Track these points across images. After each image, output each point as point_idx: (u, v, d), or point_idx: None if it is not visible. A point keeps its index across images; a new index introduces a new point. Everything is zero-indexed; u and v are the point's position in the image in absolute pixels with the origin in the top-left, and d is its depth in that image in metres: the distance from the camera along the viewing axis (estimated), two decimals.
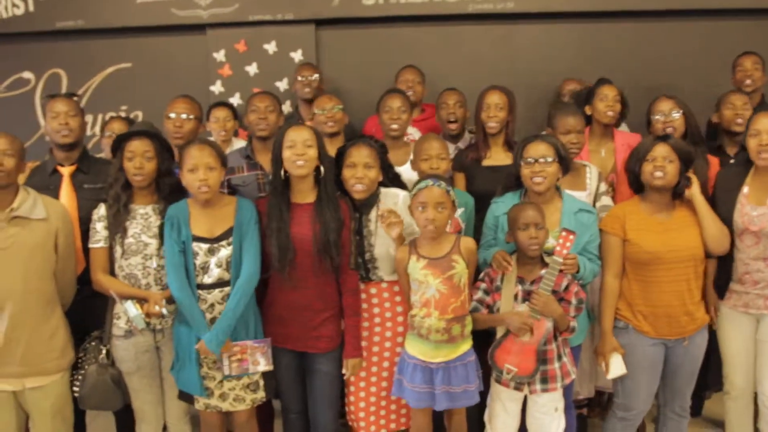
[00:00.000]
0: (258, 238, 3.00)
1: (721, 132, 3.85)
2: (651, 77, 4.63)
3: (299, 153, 2.91)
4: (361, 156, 3.07)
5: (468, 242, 2.99)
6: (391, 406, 3.19)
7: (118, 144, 3.08)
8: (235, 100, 4.90)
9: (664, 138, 3.09)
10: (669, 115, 3.57)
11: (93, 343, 3.11)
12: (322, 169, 2.98)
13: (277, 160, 2.98)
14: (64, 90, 4.95)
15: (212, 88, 4.92)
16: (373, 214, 3.13)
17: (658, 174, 3.00)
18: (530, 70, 4.86)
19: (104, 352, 3.06)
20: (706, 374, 3.47)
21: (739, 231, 3.11)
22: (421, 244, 2.99)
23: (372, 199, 3.14)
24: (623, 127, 4.04)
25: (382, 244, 3.11)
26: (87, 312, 3.18)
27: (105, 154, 3.98)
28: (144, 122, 3.37)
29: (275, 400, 3.41)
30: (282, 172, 2.97)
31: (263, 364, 2.99)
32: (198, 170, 2.91)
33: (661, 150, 3.02)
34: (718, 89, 4.27)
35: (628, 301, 3.13)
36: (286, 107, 4.81)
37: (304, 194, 3.01)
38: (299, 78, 4.51)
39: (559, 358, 2.98)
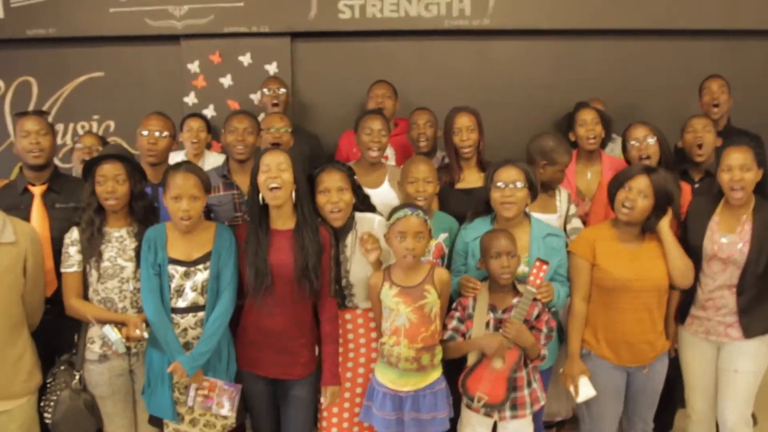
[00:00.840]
0: (236, 267, 3.00)
1: (685, 157, 3.86)
2: (625, 94, 4.69)
3: (273, 176, 2.90)
4: (333, 180, 3.06)
5: (442, 273, 3.00)
6: (363, 431, 3.19)
7: (89, 168, 3.04)
8: (209, 111, 4.88)
9: (650, 170, 3.08)
10: (644, 142, 3.57)
11: (63, 368, 3.07)
12: (293, 194, 2.96)
13: (254, 185, 2.97)
14: (34, 98, 4.93)
15: (186, 99, 4.87)
16: (349, 240, 3.13)
17: (625, 210, 3.03)
18: (505, 86, 4.88)
19: (77, 377, 3.03)
20: (676, 390, 3.50)
21: (708, 257, 3.15)
22: (395, 272, 3.00)
23: (348, 225, 3.14)
24: (615, 147, 4.08)
25: (357, 270, 3.11)
26: (54, 333, 3.16)
27: (75, 168, 3.96)
28: (114, 145, 3.34)
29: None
30: (260, 198, 2.96)
31: (227, 409, 2.97)
32: (182, 200, 2.90)
33: (639, 183, 3.02)
34: (691, 109, 4.35)
35: (592, 326, 3.16)
36: (261, 118, 4.75)
37: (284, 220, 3.00)
38: (265, 91, 4.50)
39: (529, 384, 3.01)
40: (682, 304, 3.28)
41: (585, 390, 3.10)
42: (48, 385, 3.06)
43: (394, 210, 2.99)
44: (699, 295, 3.20)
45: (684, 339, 3.30)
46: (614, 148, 4.21)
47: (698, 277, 3.19)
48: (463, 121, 3.65)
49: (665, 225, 3.08)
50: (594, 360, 3.15)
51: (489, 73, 4.89)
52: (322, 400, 3.06)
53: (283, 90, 4.49)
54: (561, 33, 4.80)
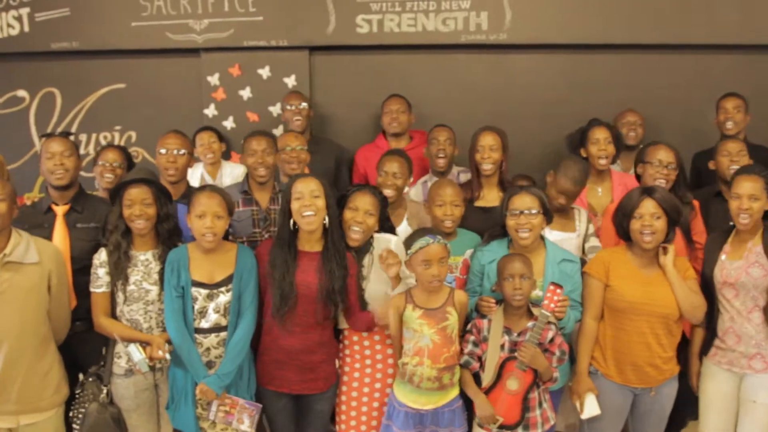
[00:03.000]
0: (257, 288, 3.08)
1: (718, 179, 3.83)
2: (640, 108, 4.64)
3: (307, 204, 2.96)
4: (364, 202, 3.15)
5: (461, 296, 3.07)
6: None
7: (117, 191, 3.12)
8: (229, 123, 4.93)
9: (650, 192, 3.12)
10: (667, 167, 3.53)
11: (91, 380, 3.15)
12: (326, 221, 3.03)
13: (285, 212, 3.04)
14: (58, 109, 5.00)
15: (206, 111, 4.92)
16: (366, 260, 3.20)
17: (647, 237, 3.05)
18: (522, 100, 4.88)
19: (105, 391, 3.11)
20: (684, 406, 3.47)
21: (719, 285, 3.16)
22: (417, 295, 3.05)
23: (365, 246, 3.21)
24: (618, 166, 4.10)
25: (373, 288, 3.18)
26: (80, 346, 3.25)
27: (97, 181, 4.04)
28: (141, 168, 3.40)
29: None
30: (291, 223, 3.03)
31: (246, 426, 3.06)
32: (206, 217, 2.98)
33: (648, 207, 3.06)
34: (705, 123, 4.41)
35: (601, 346, 3.19)
36: (279, 131, 4.81)
37: (312, 243, 3.08)
38: (288, 107, 4.53)
39: (540, 405, 3.05)
40: (707, 335, 3.27)
41: (590, 408, 3.15)
42: (77, 396, 3.16)
43: (413, 237, 3.03)
44: (719, 325, 3.21)
45: (706, 368, 3.28)
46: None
47: (717, 308, 3.20)
48: (487, 140, 3.70)
49: (669, 262, 3.10)
50: (600, 379, 3.18)
51: (505, 87, 4.90)
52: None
53: (304, 104, 4.52)
54: (577, 47, 4.80)
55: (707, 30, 4.72)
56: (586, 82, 4.80)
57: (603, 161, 3.83)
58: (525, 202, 3.11)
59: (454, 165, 4.24)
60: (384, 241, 3.23)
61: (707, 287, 3.20)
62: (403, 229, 3.53)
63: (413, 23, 4.79)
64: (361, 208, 3.14)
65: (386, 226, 3.32)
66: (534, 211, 3.10)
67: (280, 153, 3.82)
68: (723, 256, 3.19)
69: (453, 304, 3.03)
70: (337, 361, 3.23)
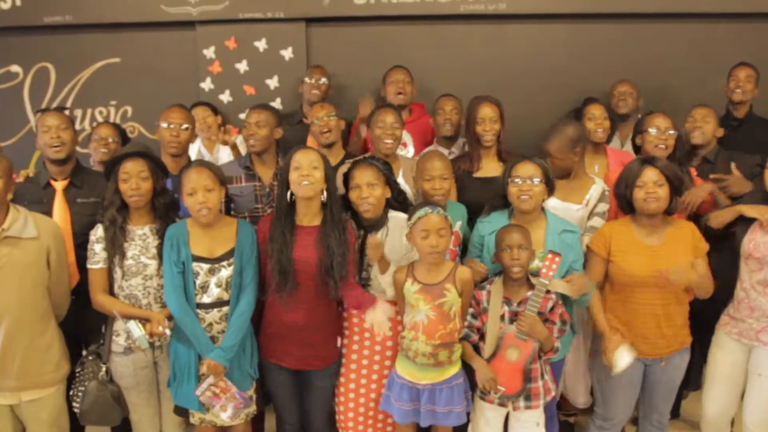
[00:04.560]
0: (257, 265, 3.06)
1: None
2: (642, 78, 4.61)
3: (305, 174, 2.94)
4: (363, 177, 3.11)
5: (464, 272, 3.03)
6: (378, 416, 3.26)
7: (112, 166, 3.09)
8: (225, 97, 4.90)
9: (651, 161, 3.12)
10: (665, 132, 3.54)
11: (90, 358, 3.14)
12: (325, 194, 3.01)
13: (284, 182, 3.01)
14: (52, 84, 4.96)
15: (202, 84, 4.89)
16: (379, 235, 3.15)
17: (652, 202, 3.04)
18: (522, 71, 4.86)
19: (104, 369, 3.10)
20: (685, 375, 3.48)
21: (745, 255, 3.15)
22: (418, 269, 3.04)
23: (380, 221, 3.18)
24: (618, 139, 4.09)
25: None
26: (80, 322, 3.25)
27: (92, 157, 4.01)
28: (135, 143, 3.37)
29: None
30: (288, 195, 3.01)
31: (227, 415, 3.06)
32: (197, 193, 2.95)
33: (650, 175, 3.06)
34: (709, 92, 4.37)
35: (608, 316, 3.18)
36: (276, 104, 4.81)
37: (310, 217, 3.05)
38: (307, 79, 4.50)
39: (542, 376, 3.05)
40: (721, 300, 3.27)
41: (623, 360, 3.07)
42: (77, 375, 3.15)
43: (414, 209, 3.02)
44: (735, 293, 3.21)
45: (717, 338, 3.29)
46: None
47: (737, 276, 3.21)
48: (487, 112, 3.67)
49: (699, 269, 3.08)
50: None
51: (505, 57, 4.87)
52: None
53: (324, 80, 4.49)
54: (578, 17, 4.77)
55: None
56: (587, 52, 4.78)
57: (600, 132, 3.84)
58: (528, 170, 3.09)
59: (460, 136, 4.20)
60: (400, 220, 3.18)
61: (735, 254, 3.20)
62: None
63: None
64: (362, 183, 3.10)
65: (395, 192, 3.24)
66: (536, 180, 3.08)
67: (312, 126, 3.82)
68: (756, 227, 3.15)
69: (453, 280, 3.00)
70: (339, 339, 3.22)
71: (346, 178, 3.18)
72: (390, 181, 3.19)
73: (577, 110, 4.05)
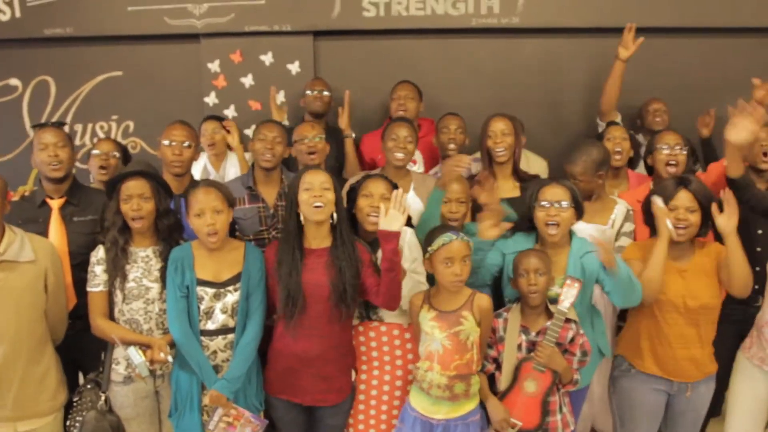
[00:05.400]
0: (265, 291, 2.95)
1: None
2: (658, 93, 4.53)
3: (317, 195, 2.83)
4: (378, 187, 3.03)
5: (483, 300, 2.90)
6: None
7: (113, 185, 2.98)
8: (230, 112, 4.80)
9: (686, 183, 3.00)
10: (674, 148, 3.51)
11: (89, 386, 3.03)
12: (335, 215, 2.91)
13: (293, 204, 2.90)
14: (52, 98, 4.87)
15: (206, 99, 4.79)
16: (380, 253, 3.00)
17: (681, 231, 2.94)
18: (535, 86, 4.77)
19: (103, 398, 2.98)
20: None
21: None
22: (435, 295, 2.93)
23: None
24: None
25: None
26: (78, 348, 3.15)
27: (92, 175, 3.92)
28: (139, 161, 3.25)
29: None
30: (297, 217, 2.90)
31: None
32: (205, 214, 2.85)
33: (683, 200, 2.96)
34: (724, 108, 4.20)
35: (636, 338, 3.07)
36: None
37: (319, 240, 2.93)
38: (308, 92, 4.41)
39: (560, 409, 2.92)
40: (747, 325, 3.18)
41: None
42: (74, 404, 3.03)
43: (434, 234, 2.89)
44: (762, 315, 3.10)
45: (739, 363, 3.18)
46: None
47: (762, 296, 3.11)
48: (498, 125, 3.59)
49: (731, 228, 2.92)
50: (633, 377, 3.08)
51: (518, 72, 4.77)
52: None
53: (327, 93, 4.41)
54: (592, 31, 4.66)
55: (728, 13, 4.60)
56: (602, 67, 4.60)
57: (617, 156, 3.74)
58: (556, 194, 2.97)
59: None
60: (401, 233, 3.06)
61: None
62: (410, 199, 3.42)
63: (422, 6, 4.66)
64: (376, 194, 3.01)
65: None
66: (565, 204, 2.95)
67: (298, 144, 3.70)
68: None
69: (471, 308, 2.87)
70: (353, 373, 3.07)
71: (353, 190, 3.08)
72: None
73: (598, 135, 3.98)
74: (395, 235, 2.78)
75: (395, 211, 2.79)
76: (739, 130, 3.01)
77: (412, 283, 3.04)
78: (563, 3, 4.64)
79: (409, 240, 3.06)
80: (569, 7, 4.64)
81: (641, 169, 4.04)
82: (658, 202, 2.95)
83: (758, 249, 3.27)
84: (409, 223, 3.18)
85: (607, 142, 3.77)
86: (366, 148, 4.39)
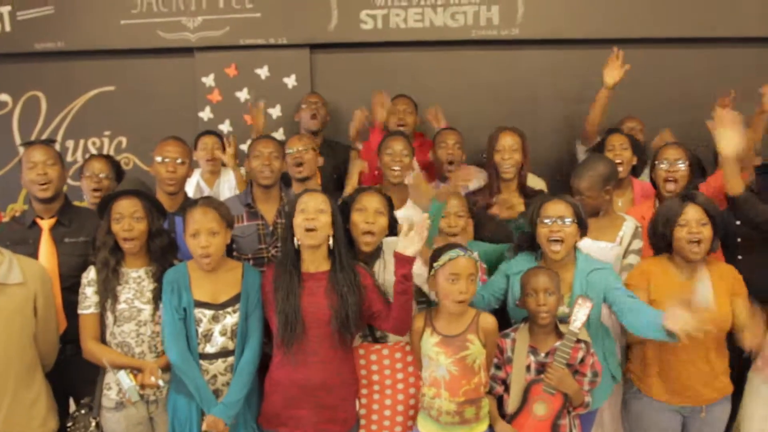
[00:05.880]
0: (262, 312, 2.85)
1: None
2: (659, 105, 4.52)
3: (310, 218, 2.73)
4: (372, 201, 2.92)
5: (487, 321, 2.80)
6: None
7: (105, 205, 2.90)
8: (225, 126, 4.73)
9: (692, 198, 2.94)
10: (674, 164, 3.43)
11: (83, 412, 2.93)
12: (331, 241, 2.80)
13: (290, 229, 2.81)
14: (43, 114, 4.80)
15: (201, 114, 4.73)
16: (377, 266, 2.96)
17: (695, 247, 2.86)
18: (535, 98, 4.72)
19: (93, 424, 2.89)
20: None
21: None
22: (437, 318, 2.81)
23: (376, 252, 2.98)
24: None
25: (388, 298, 2.91)
26: (69, 373, 3.04)
27: (85, 195, 3.82)
28: (132, 179, 3.17)
29: None
30: (295, 241, 2.79)
31: None
32: (200, 236, 2.76)
33: (693, 214, 2.89)
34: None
35: (644, 364, 2.99)
36: (279, 135, 4.64)
37: (317, 264, 2.82)
38: (304, 106, 4.34)
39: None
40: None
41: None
42: (68, 429, 2.93)
43: (440, 250, 2.79)
44: None
45: (751, 384, 3.08)
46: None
47: None
48: (507, 140, 3.52)
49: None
50: (644, 400, 2.99)
51: (518, 84, 4.73)
52: None
53: (322, 107, 4.36)
54: (593, 42, 4.60)
55: (729, 23, 4.57)
56: (602, 79, 4.58)
57: (620, 167, 3.65)
58: (558, 210, 2.88)
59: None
60: (392, 244, 2.92)
61: None
62: (407, 212, 3.36)
63: (420, 18, 4.63)
64: (370, 208, 2.90)
65: (395, 230, 3.04)
66: (568, 220, 2.86)
67: (287, 156, 3.62)
68: None
69: (476, 331, 2.77)
70: (357, 402, 2.94)
71: (346, 204, 2.98)
72: (391, 219, 3.00)
73: (600, 143, 3.89)
74: (410, 260, 2.68)
75: (416, 235, 2.68)
76: (729, 140, 3.02)
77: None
78: (564, 14, 4.60)
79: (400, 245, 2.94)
80: (570, 18, 4.60)
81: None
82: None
83: None
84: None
85: (607, 152, 3.70)
86: (364, 154, 4.28)
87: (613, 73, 3.99)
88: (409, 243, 2.67)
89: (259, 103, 4.41)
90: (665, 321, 2.53)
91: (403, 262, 2.67)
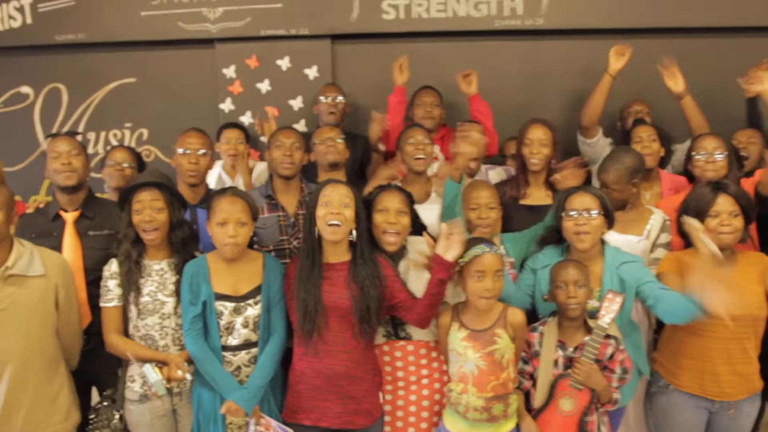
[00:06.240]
0: (285, 305, 2.83)
1: None
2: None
3: (335, 212, 2.69)
4: (394, 201, 2.88)
5: (516, 315, 2.75)
6: None
7: (126, 196, 2.88)
8: (246, 118, 4.68)
9: (724, 187, 2.88)
10: (711, 154, 3.36)
11: (106, 404, 2.93)
12: (354, 233, 2.75)
13: (311, 219, 2.76)
14: (64, 106, 4.77)
15: (222, 105, 4.67)
16: (402, 266, 2.91)
17: (727, 235, 2.80)
18: (560, 89, 4.62)
19: (117, 417, 2.88)
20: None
21: None
22: (465, 312, 2.77)
23: (400, 251, 2.93)
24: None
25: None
26: (92, 365, 3.03)
27: (107, 183, 3.82)
28: (153, 171, 3.15)
29: None
30: (315, 232, 2.75)
31: None
32: (228, 225, 2.73)
33: (725, 204, 2.83)
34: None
35: (674, 354, 2.93)
36: (300, 126, 4.59)
37: (338, 255, 2.79)
38: (322, 98, 4.29)
39: (599, 430, 2.76)
40: None
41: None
42: (90, 421, 2.93)
43: (468, 247, 2.73)
44: None
45: None
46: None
47: None
48: (536, 133, 3.47)
49: None
50: (671, 394, 2.94)
51: (542, 75, 4.64)
52: None
53: (341, 98, 4.29)
54: (620, 32, 4.49)
55: (759, 12, 4.46)
56: (630, 69, 4.45)
57: (649, 157, 3.58)
58: (584, 202, 2.84)
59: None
60: (418, 243, 2.94)
61: None
62: (431, 205, 3.33)
63: (443, 8, 4.55)
64: (391, 209, 2.86)
65: (416, 223, 3.02)
66: (594, 213, 2.82)
67: (317, 146, 3.60)
68: None
69: (504, 325, 2.72)
70: (381, 395, 2.91)
71: (367, 203, 2.93)
72: (412, 215, 2.97)
73: (625, 133, 3.82)
74: (451, 266, 2.64)
75: (457, 237, 2.63)
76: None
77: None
78: (589, 3, 4.51)
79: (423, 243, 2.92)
80: (596, 7, 4.51)
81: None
82: (691, 222, 2.81)
83: None
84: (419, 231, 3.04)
85: (634, 144, 3.62)
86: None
87: (619, 58, 3.90)
88: (449, 247, 2.62)
89: (264, 117, 4.41)
90: (707, 304, 2.53)
91: (443, 266, 2.63)
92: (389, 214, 2.86)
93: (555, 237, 2.99)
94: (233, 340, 2.76)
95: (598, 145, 3.93)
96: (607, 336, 2.70)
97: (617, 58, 3.87)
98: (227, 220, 2.73)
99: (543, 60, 4.66)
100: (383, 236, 2.86)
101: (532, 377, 2.80)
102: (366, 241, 2.80)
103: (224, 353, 2.75)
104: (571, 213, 2.84)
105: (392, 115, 4.10)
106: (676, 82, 3.87)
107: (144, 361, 2.78)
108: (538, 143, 3.45)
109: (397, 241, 2.87)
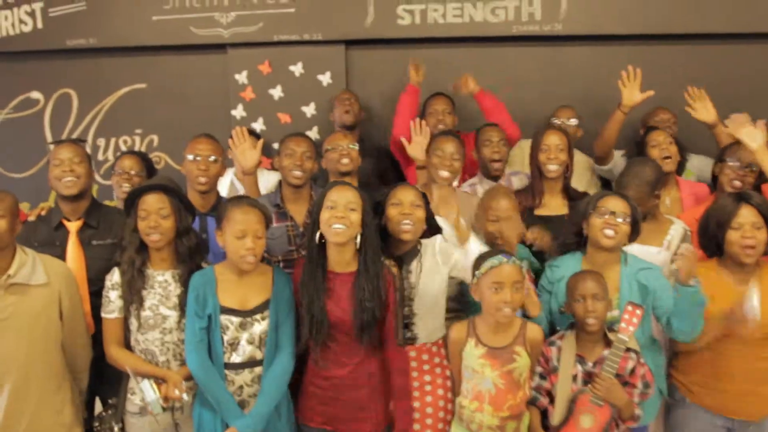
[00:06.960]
0: (295, 321, 2.73)
1: None
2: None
3: (339, 216, 2.58)
4: (408, 195, 2.78)
5: (535, 332, 2.68)
6: None
7: (131, 201, 2.79)
8: (258, 125, 4.64)
9: (747, 198, 2.79)
10: (745, 167, 3.30)
11: (110, 412, 2.84)
12: (358, 239, 2.64)
13: (315, 222, 2.66)
14: (74, 111, 4.77)
15: (233, 112, 4.64)
16: (413, 265, 2.82)
17: (749, 251, 2.71)
18: (578, 96, 4.50)
19: (116, 429, 2.79)
20: None
21: None
22: (481, 328, 2.68)
23: (413, 250, 2.84)
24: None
25: (422, 302, 2.81)
26: (95, 372, 2.96)
27: (115, 192, 3.75)
28: (161, 176, 3.08)
29: None
30: (318, 236, 2.65)
31: None
32: (246, 238, 2.61)
33: (748, 216, 2.74)
34: None
35: (693, 371, 2.86)
36: (313, 134, 4.54)
37: (343, 264, 2.69)
38: (338, 105, 4.24)
39: None
40: None
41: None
42: (95, 429, 2.85)
43: (482, 257, 2.66)
44: None
45: None
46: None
47: None
48: (553, 139, 3.39)
49: None
50: (690, 408, 2.85)
51: (561, 82, 4.56)
52: None
53: (356, 104, 4.25)
54: (639, 38, 4.46)
55: None
56: (650, 76, 4.37)
57: (668, 160, 3.52)
58: (617, 205, 2.78)
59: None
60: (430, 246, 2.88)
61: None
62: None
63: (459, 14, 4.49)
64: (405, 201, 2.76)
65: (431, 225, 2.91)
66: (626, 219, 2.76)
67: (330, 153, 3.50)
68: None
69: (523, 342, 2.64)
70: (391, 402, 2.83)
71: (379, 204, 2.84)
72: (427, 215, 2.86)
73: (638, 143, 3.74)
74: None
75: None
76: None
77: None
78: (609, 9, 4.43)
79: (438, 245, 2.86)
80: (615, 13, 4.43)
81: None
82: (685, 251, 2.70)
83: None
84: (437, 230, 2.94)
85: (652, 149, 3.55)
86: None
87: (633, 93, 3.76)
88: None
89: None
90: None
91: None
92: (403, 206, 2.76)
93: (574, 240, 2.91)
94: (237, 357, 2.65)
95: (615, 167, 3.86)
96: (628, 349, 2.61)
97: (630, 93, 3.75)
98: (246, 232, 2.62)
99: (561, 66, 4.60)
100: (399, 227, 2.76)
101: (550, 394, 2.71)
102: (373, 249, 2.68)
103: (226, 371, 2.65)
104: (603, 211, 2.78)
105: (401, 116, 4.04)
106: (708, 113, 3.75)
107: (143, 375, 2.70)
108: (555, 149, 3.36)
109: (412, 230, 2.76)
